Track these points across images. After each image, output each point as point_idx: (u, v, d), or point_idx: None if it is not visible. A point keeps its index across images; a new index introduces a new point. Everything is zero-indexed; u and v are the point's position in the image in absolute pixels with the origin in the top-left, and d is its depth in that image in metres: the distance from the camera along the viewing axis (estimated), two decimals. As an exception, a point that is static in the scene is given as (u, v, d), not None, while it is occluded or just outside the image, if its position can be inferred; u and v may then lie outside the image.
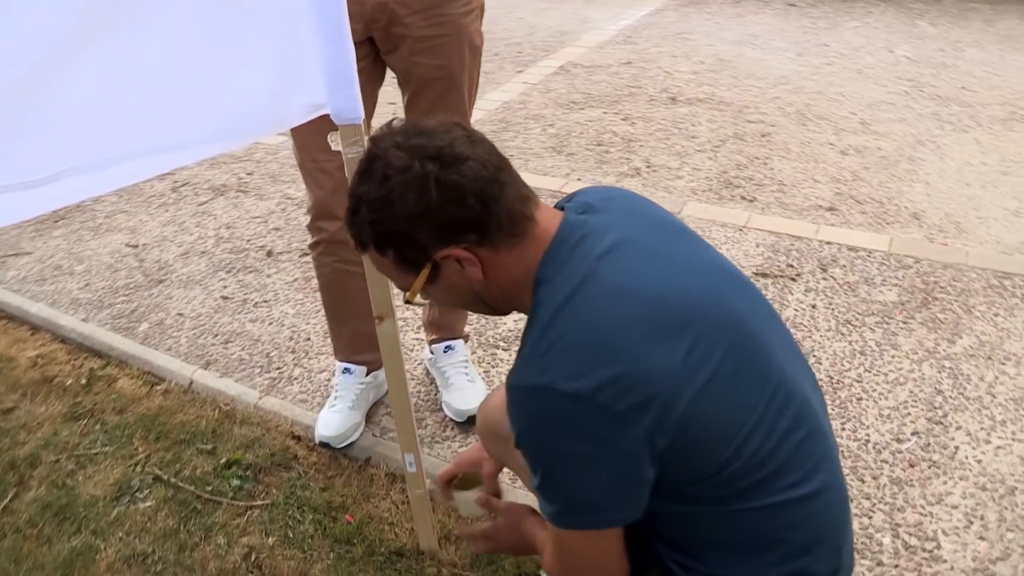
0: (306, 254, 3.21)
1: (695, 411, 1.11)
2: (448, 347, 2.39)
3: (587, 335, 1.12)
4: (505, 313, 1.33)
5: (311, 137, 1.89)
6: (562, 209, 1.29)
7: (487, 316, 1.40)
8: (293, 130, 1.87)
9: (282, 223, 3.46)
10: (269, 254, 3.22)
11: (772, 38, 5.83)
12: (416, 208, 1.14)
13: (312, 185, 1.99)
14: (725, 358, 1.15)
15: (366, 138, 1.43)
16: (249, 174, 3.93)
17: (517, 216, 1.18)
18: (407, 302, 1.27)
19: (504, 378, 2.44)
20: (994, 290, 2.82)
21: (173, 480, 2.19)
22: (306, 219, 2.09)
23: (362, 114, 1.42)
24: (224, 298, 2.96)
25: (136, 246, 3.32)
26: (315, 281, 2.99)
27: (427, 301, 1.31)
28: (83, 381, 2.58)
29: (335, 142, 1.39)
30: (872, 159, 3.84)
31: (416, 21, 1.82)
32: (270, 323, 2.81)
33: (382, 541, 1.99)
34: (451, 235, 1.16)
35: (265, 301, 2.93)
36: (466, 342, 2.47)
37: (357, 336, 2.27)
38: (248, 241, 3.33)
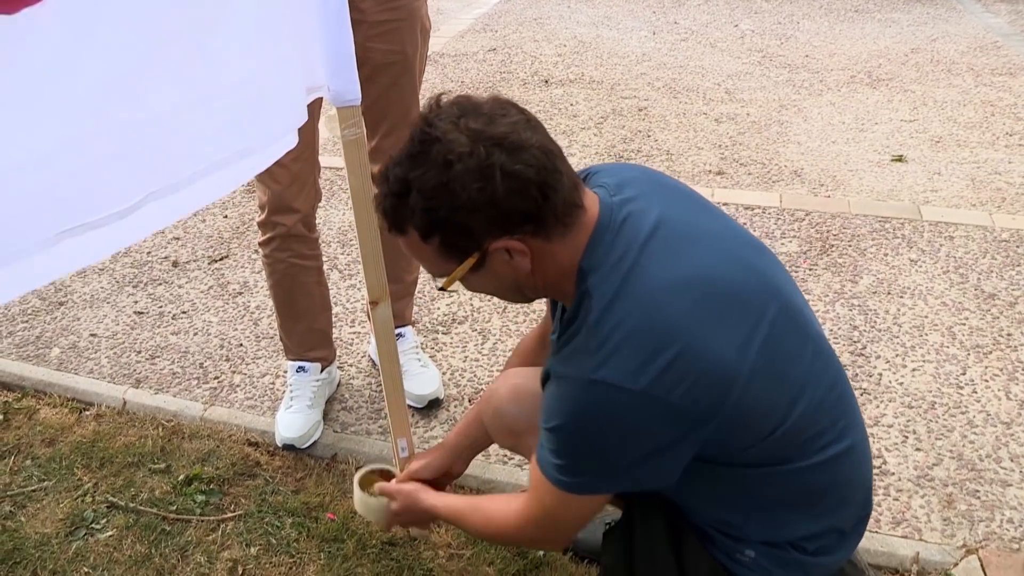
0: (215, 261, 3.09)
1: (749, 387, 1.13)
2: (399, 334, 2.37)
3: (642, 326, 1.11)
4: (531, 300, 1.31)
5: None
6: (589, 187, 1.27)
7: (510, 303, 1.39)
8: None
9: (181, 232, 3.30)
10: (175, 264, 3.07)
11: (624, 18, 6.08)
12: (479, 198, 1.07)
13: (267, 179, 1.92)
14: (773, 326, 1.17)
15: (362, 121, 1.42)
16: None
17: (571, 206, 1.14)
18: (442, 288, 1.21)
19: (450, 361, 2.47)
20: (878, 233, 3.10)
21: (131, 505, 2.07)
22: (258, 215, 2.02)
23: (360, 96, 1.41)
24: (138, 313, 2.80)
25: (23, 269, 3.07)
26: (233, 286, 2.90)
27: (458, 289, 1.27)
28: (-2, 417, 2.38)
29: (329, 127, 1.37)
30: (744, 125, 4.11)
31: (371, 6, 1.80)
32: (195, 333, 2.69)
33: (371, 534, 1.96)
34: (508, 226, 1.11)
35: (184, 312, 2.80)
36: (414, 327, 2.48)
37: (311, 332, 2.23)
38: (148, 254, 3.15)
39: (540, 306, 2.64)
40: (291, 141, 1.45)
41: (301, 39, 1.33)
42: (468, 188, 1.07)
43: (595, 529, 1.78)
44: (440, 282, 1.21)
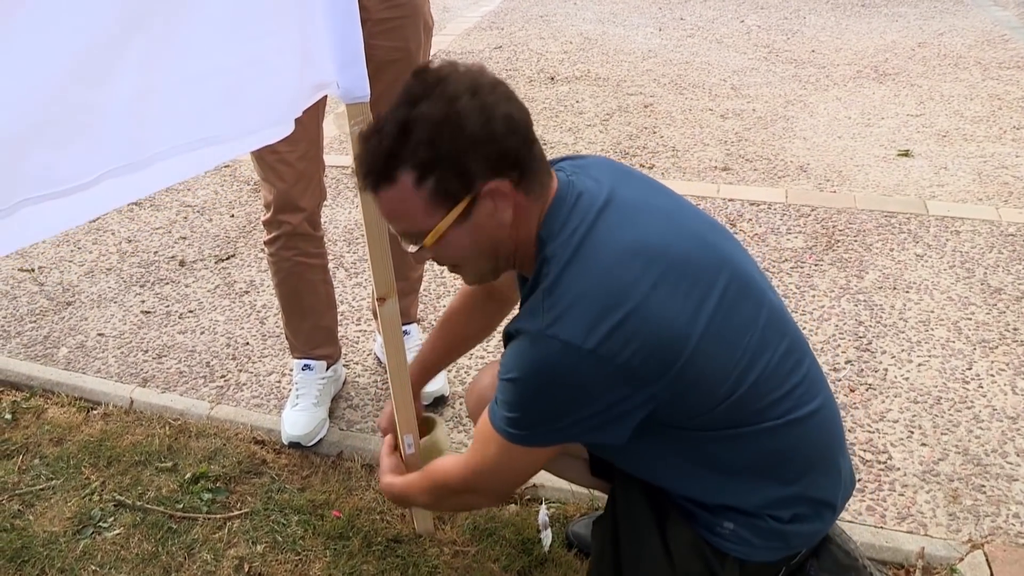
0: (222, 260, 3.10)
1: (698, 352, 1.17)
2: (404, 332, 2.37)
3: (593, 288, 1.16)
4: (495, 278, 1.33)
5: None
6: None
7: (470, 282, 1.40)
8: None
9: (187, 232, 3.31)
10: (182, 264, 3.08)
11: (631, 15, 6.07)
12: (482, 133, 1.12)
13: (273, 178, 1.93)
14: (723, 296, 1.21)
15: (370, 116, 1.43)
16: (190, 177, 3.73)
17: (543, 164, 1.22)
18: (420, 250, 1.21)
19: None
20: (884, 228, 3.09)
21: (138, 503, 2.08)
22: (263, 214, 2.03)
23: (369, 92, 1.41)
24: (145, 313, 2.81)
25: (31, 270, 3.09)
26: (239, 285, 2.92)
27: (428, 258, 1.25)
28: (7, 416, 2.39)
29: (338, 124, 1.37)
30: (750, 120, 4.10)
31: (375, 4, 1.81)
32: (202, 332, 2.70)
33: (376, 531, 1.97)
34: (501, 167, 1.15)
35: (190, 311, 2.81)
36: (419, 324, 2.48)
37: (316, 330, 2.24)
38: (155, 253, 3.17)
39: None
40: (268, 136, 1.44)
41: (309, 36, 1.34)
42: (473, 122, 1.12)
43: (597, 525, 1.79)
44: (417, 246, 1.21)
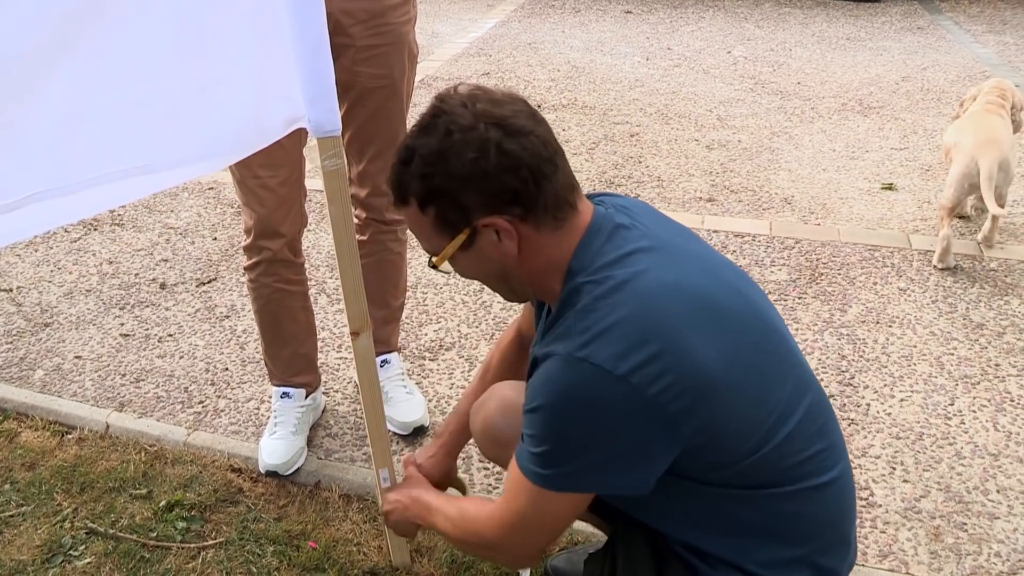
0: (203, 283, 3.08)
1: (728, 399, 1.15)
2: (384, 361, 2.36)
3: (631, 316, 1.13)
4: (523, 299, 1.33)
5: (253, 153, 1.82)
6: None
7: (504, 299, 1.39)
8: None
9: (169, 254, 3.28)
10: (163, 286, 3.06)
11: (618, 44, 6.12)
12: (471, 169, 1.14)
13: (253, 203, 1.92)
14: (754, 349, 1.19)
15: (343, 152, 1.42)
16: (120, 206, 3.70)
17: (563, 201, 1.20)
18: (433, 266, 1.26)
19: (436, 388, 2.45)
20: (868, 262, 3.10)
21: (111, 531, 2.04)
22: (244, 240, 2.01)
23: (340, 126, 1.40)
24: (124, 335, 2.78)
25: (9, 290, 3.05)
26: (220, 309, 2.89)
27: (450, 271, 1.28)
28: (-22, 440, 2.35)
29: (310, 158, 1.36)
30: (735, 151, 4.13)
31: (360, 31, 1.81)
32: (180, 357, 2.67)
33: (352, 563, 1.94)
34: (498, 204, 1.17)
35: (170, 335, 2.78)
36: (399, 353, 2.46)
37: (295, 358, 2.21)
38: (136, 275, 3.14)
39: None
40: (203, 169, 1.42)
41: (278, 70, 1.33)
42: (463, 157, 1.14)
43: (578, 560, 1.76)
44: (434, 259, 1.26)
